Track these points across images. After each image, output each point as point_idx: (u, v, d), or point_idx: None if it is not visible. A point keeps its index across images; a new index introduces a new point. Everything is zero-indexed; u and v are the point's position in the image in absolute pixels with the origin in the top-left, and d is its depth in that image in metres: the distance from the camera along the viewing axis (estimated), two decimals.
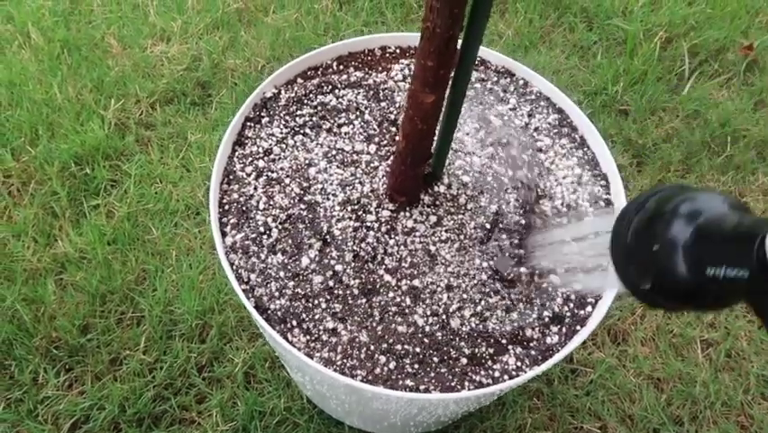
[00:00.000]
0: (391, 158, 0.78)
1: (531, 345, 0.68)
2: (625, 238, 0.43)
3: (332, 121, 0.82)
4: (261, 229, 0.73)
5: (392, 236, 0.72)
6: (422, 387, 0.65)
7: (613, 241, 0.45)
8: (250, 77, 1.42)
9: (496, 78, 0.89)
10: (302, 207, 0.74)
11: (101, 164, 1.25)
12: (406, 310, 0.69)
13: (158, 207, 1.21)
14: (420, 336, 0.68)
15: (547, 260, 0.72)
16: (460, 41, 0.56)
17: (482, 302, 0.70)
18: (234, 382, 1.04)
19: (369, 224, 0.73)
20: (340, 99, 0.85)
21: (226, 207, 0.75)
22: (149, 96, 1.37)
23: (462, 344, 0.68)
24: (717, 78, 1.51)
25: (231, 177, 0.77)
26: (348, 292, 0.69)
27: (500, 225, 0.74)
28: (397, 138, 0.81)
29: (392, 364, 0.66)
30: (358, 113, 0.83)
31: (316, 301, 0.69)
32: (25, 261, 1.12)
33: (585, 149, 0.83)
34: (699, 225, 0.39)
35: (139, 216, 1.20)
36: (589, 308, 0.71)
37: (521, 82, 0.89)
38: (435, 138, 0.67)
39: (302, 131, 0.81)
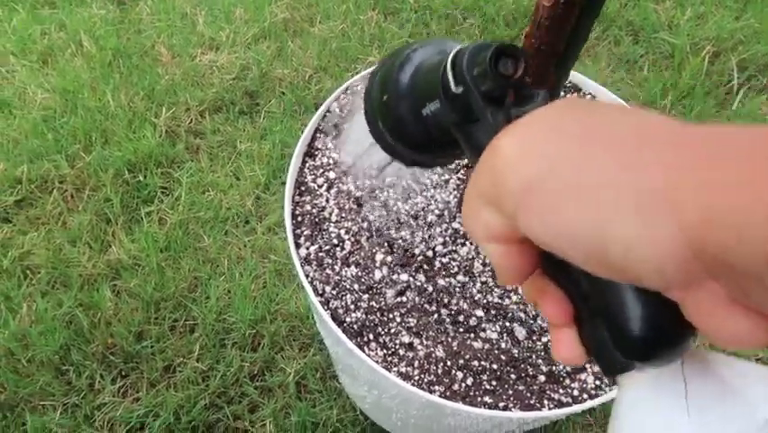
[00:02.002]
0: (461, 172, 0.78)
1: None
2: (370, 93, 0.42)
3: None
4: (335, 241, 0.73)
5: (465, 250, 0.72)
6: (501, 404, 0.65)
7: (364, 98, 0.43)
8: (297, 86, 1.42)
9: (562, 94, 0.88)
10: (373, 219, 0.74)
11: (153, 171, 1.26)
12: (482, 325, 0.68)
13: (208, 215, 1.22)
14: (496, 351, 0.67)
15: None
16: None
17: None
18: (286, 392, 1.04)
19: (440, 238, 0.73)
20: None
21: (299, 218, 0.75)
22: (198, 104, 1.38)
23: (540, 361, 0.67)
24: (766, 93, 1.49)
25: (303, 188, 0.78)
26: (422, 307, 0.69)
27: None
28: None
29: (469, 381, 0.66)
30: None
31: (391, 315, 0.69)
32: (81, 266, 1.13)
33: None
34: (416, 67, 0.38)
35: (190, 224, 1.21)
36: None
37: (588, 97, 0.88)
38: None
39: (372, 141, 0.81)
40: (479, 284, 0.70)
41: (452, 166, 0.79)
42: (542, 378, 0.66)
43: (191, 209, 1.23)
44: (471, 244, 0.73)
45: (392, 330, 0.68)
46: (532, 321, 0.69)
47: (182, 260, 1.16)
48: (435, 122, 0.36)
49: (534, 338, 0.68)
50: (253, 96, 1.43)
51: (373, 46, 1.53)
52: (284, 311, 1.11)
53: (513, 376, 0.66)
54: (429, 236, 0.73)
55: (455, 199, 0.76)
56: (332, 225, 0.74)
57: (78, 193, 1.24)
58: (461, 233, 0.73)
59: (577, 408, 0.63)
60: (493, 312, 0.69)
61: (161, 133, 1.32)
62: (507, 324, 0.69)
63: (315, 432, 1.01)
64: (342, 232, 0.74)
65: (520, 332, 0.68)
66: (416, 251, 0.72)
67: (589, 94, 0.89)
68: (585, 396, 0.66)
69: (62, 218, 1.21)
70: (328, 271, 0.71)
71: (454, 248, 0.72)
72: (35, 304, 1.08)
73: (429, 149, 0.40)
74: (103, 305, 1.08)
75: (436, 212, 0.75)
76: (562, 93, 0.88)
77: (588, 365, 0.67)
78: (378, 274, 0.71)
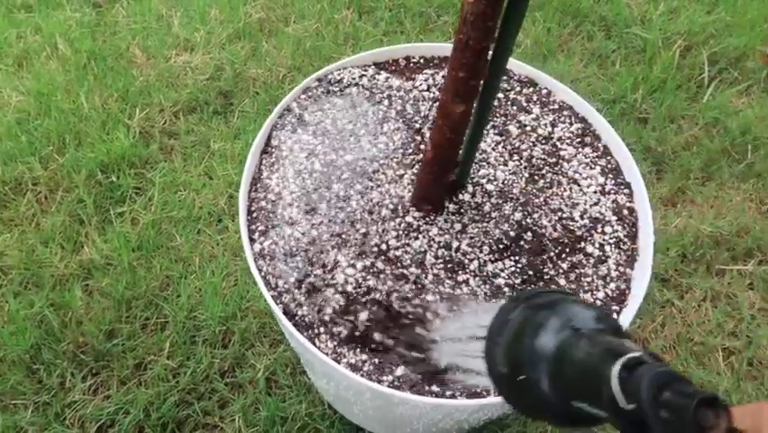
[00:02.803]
0: (416, 167, 0.79)
1: None
2: (495, 364, 0.43)
3: (357, 130, 0.84)
4: (288, 235, 0.74)
5: (418, 244, 0.73)
6: (448, 393, 0.66)
7: (487, 366, 0.45)
8: (271, 86, 1.44)
9: (519, 88, 0.89)
10: (328, 214, 0.75)
11: (126, 172, 1.27)
12: (433, 317, 0.70)
13: (181, 215, 1.23)
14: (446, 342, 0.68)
15: (446, 356, 0.69)
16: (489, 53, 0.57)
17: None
18: (256, 388, 1.05)
19: (394, 231, 0.74)
20: (365, 108, 0.86)
21: (254, 214, 0.77)
22: (172, 105, 1.39)
23: None
24: (737, 86, 1.51)
25: (258, 185, 0.79)
26: (375, 299, 0.70)
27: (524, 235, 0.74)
28: (422, 147, 0.82)
29: (419, 370, 0.67)
30: (383, 122, 0.84)
31: (344, 307, 0.70)
32: (53, 267, 1.14)
33: (608, 157, 0.83)
34: (558, 349, 0.39)
35: (163, 224, 1.22)
36: (614, 316, 0.71)
37: (544, 91, 0.89)
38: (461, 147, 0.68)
39: (327, 140, 0.82)
40: (431, 276, 0.72)
41: (407, 161, 0.81)
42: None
43: (164, 209, 1.24)
44: (424, 237, 0.74)
45: (343, 322, 0.69)
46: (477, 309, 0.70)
47: (154, 259, 1.17)
48: (590, 416, 0.37)
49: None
50: (227, 96, 1.44)
51: (347, 45, 1.54)
52: (255, 308, 1.13)
53: (461, 366, 0.68)
54: (383, 230, 0.74)
55: (409, 194, 0.77)
56: (286, 220, 0.75)
57: (52, 194, 1.25)
58: (415, 226, 0.74)
59: None
60: (445, 302, 0.70)
61: (135, 134, 1.34)
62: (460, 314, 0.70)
63: (285, 426, 1.02)
64: (297, 227, 0.75)
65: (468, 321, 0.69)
66: (371, 243, 0.73)
67: (545, 88, 0.90)
68: None
69: (35, 219, 1.22)
70: (281, 265, 0.72)
71: (407, 241, 0.74)
72: (7, 305, 1.09)
73: (576, 423, 0.41)
74: (74, 304, 1.10)
75: (390, 206, 0.76)
76: (518, 87, 0.90)
77: None
78: (331, 268, 0.72)
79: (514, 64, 0.91)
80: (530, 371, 0.40)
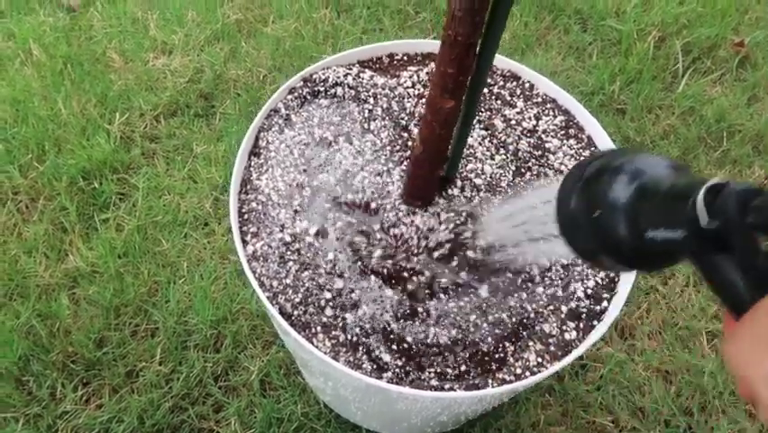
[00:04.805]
0: (404, 163, 0.80)
1: (550, 341, 0.70)
2: (568, 204, 0.43)
3: (344, 128, 0.84)
4: (281, 237, 0.74)
5: (409, 238, 0.74)
6: (446, 386, 0.67)
7: (558, 207, 0.44)
8: (252, 87, 1.43)
9: (502, 83, 0.90)
10: (319, 213, 0.76)
11: (108, 178, 1.26)
12: (426, 312, 0.70)
13: (166, 219, 1.22)
14: (443, 336, 0.69)
15: (498, 235, 0.70)
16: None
17: (500, 301, 0.71)
18: (251, 391, 1.05)
19: (386, 227, 0.74)
20: (351, 107, 0.86)
21: (245, 216, 0.76)
22: (153, 108, 1.38)
23: (482, 343, 0.69)
24: (710, 75, 1.54)
25: (248, 186, 0.79)
26: (370, 295, 0.71)
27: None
28: (410, 143, 0.82)
29: (417, 365, 0.68)
30: (370, 119, 0.85)
31: (339, 306, 0.70)
32: (38, 276, 1.13)
33: (592, 148, 0.85)
34: (637, 187, 0.39)
35: (148, 229, 1.21)
36: (605, 303, 0.72)
37: (527, 85, 0.91)
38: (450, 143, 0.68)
39: (315, 138, 0.83)
40: (425, 271, 0.72)
41: (396, 158, 0.81)
42: (486, 359, 0.69)
43: (149, 214, 1.23)
44: (417, 236, 0.74)
45: (339, 321, 0.70)
46: (472, 308, 0.71)
47: (141, 265, 1.16)
48: (662, 245, 0.37)
49: (479, 322, 0.70)
50: (208, 99, 1.43)
51: (327, 44, 1.54)
52: (245, 310, 1.12)
53: (458, 359, 0.69)
54: (376, 228, 0.75)
55: (398, 190, 0.77)
56: (277, 220, 0.76)
57: (33, 203, 1.23)
58: (403, 212, 0.75)
59: (519, 384, 0.66)
60: (437, 299, 0.71)
61: (116, 139, 1.32)
62: (450, 308, 0.71)
63: (281, 428, 1.02)
64: (288, 228, 0.75)
65: (461, 314, 0.70)
66: (362, 242, 0.73)
67: (528, 82, 0.91)
68: (528, 373, 0.68)
69: (17, 229, 1.20)
70: (275, 266, 0.73)
71: (400, 239, 0.74)
72: None
73: (640, 264, 0.41)
74: (61, 314, 1.08)
75: (380, 202, 0.76)
76: (501, 82, 0.91)
77: (530, 343, 0.70)
78: (324, 267, 0.72)
79: (497, 59, 0.92)
80: (605, 206, 0.40)
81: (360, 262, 0.72)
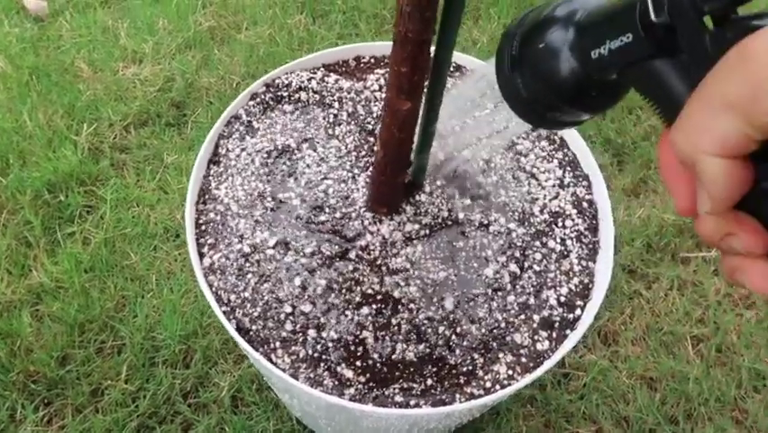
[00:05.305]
0: (370, 169, 0.77)
1: (521, 352, 0.67)
2: (509, 52, 0.41)
3: (308, 134, 0.81)
4: (239, 248, 0.71)
5: (374, 248, 0.71)
6: (412, 402, 0.63)
7: (498, 61, 0.42)
8: (225, 95, 1.40)
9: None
10: (280, 223, 0.72)
11: (75, 190, 1.22)
12: (389, 325, 0.67)
13: (136, 232, 1.18)
14: (409, 351, 0.66)
15: (457, 140, 0.67)
16: (433, 47, 0.55)
17: (469, 311, 0.68)
18: (221, 407, 1.01)
19: (350, 236, 0.71)
20: (315, 112, 0.83)
21: (203, 227, 0.73)
22: (122, 119, 1.34)
23: (450, 356, 0.66)
24: None
25: (207, 196, 0.75)
26: (332, 308, 0.67)
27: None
28: (375, 148, 0.79)
29: (381, 381, 0.64)
30: (335, 125, 0.82)
31: (300, 321, 0.67)
32: None
33: (565, 150, 0.82)
34: (579, 20, 0.38)
35: (116, 242, 1.17)
36: (578, 311, 0.69)
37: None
38: (414, 146, 0.65)
39: (277, 145, 0.79)
40: (391, 281, 0.69)
41: (361, 164, 0.78)
42: (453, 372, 0.66)
43: (117, 226, 1.19)
44: (376, 235, 0.71)
45: (300, 336, 0.66)
46: (438, 319, 0.68)
47: (108, 279, 1.12)
48: (609, 60, 0.35)
49: (447, 333, 0.67)
50: (180, 107, 1.39)
51: (302, 50, 1.51)
52: (216, 324, 1.09)
53: (425, 373, 0.65)
54: (341, 238, 0.72)
55: (364, 197, 0.74)
56: (236, 231, 0.72)
57: None
58: (369, 220, 0.72)
59: (488, 399, 0.63)
60: (402, 309, 0.68)
61: (83, 151, 1.28)
62: (418, 320, 0.67)
63: None
64: (248, 238, 0.72)
65: (430, 327, 0.67)
66: (325, 252, 0.70)
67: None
68: (498, 387, 0.65)
69: None
70: (233, 279, 0.69)
71: (364, 249, 0.71)
72: None
73: (585, 96, 0.39)
74: (23, 332, 1.04)
75: (343, 210, 0.73)
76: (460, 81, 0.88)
77: (500, 355, 0.66)
78: (284, 280, 0.69)
79: (467, 60, 0.89)
80: (547, 42, 0.38)
81: (322, 276, 0.69)
